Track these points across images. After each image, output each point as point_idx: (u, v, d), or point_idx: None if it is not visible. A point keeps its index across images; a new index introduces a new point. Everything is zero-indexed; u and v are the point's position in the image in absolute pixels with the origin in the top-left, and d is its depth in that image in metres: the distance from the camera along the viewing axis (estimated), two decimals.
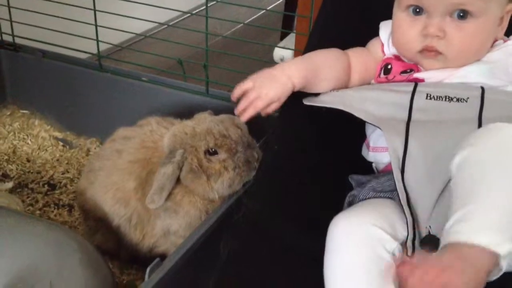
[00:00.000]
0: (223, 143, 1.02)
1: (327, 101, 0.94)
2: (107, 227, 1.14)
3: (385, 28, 0.98)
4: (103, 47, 1.53)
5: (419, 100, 0.86)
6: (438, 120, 0.84)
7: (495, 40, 0.90)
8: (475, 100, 0.84)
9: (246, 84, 0.92)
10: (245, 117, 0.93)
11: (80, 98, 1.56)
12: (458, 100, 0.84)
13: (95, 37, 1.48)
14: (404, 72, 0.92)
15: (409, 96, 0.87)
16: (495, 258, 0.64)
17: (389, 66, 0.95)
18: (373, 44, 1.00)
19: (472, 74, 0.87)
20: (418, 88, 0.87)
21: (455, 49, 0.86)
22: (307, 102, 0.96)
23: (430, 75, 0.90)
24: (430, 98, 0.85)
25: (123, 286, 1.14)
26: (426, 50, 0.88)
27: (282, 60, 2.18)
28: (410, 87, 0.87)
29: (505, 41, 0.90)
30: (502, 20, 0.87)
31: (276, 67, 0.94)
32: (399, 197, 0.81)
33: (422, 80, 0.90)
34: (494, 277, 0.66)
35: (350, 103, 0.91)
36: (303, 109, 0.99)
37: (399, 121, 0.86)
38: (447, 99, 0.84)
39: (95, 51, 1.51)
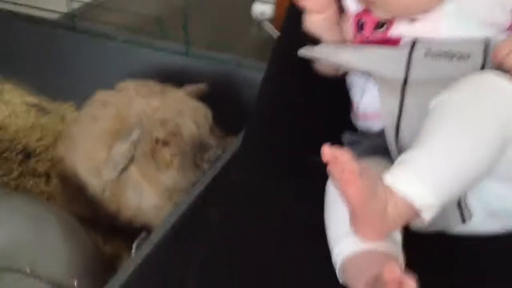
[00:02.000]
0: (172, 139, 1.00)
1: (320, 51, 0.89)
2: (84, 196, 1.11)
3: None
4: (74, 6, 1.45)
5: (417, 57, 0.81)
6: (437, 79, 0.80)
7: None
8: (476, 57, 0.79)
9: None
10: None
11: (53, 61, 1.49)
12: (459, 57, 0.79)
13: None
14: (378, 27, 0.87)
15: (406, 52, 0.82)
16: (413, 209, 0.64)
17: (362, 20, 0.90)
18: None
19: (451, 28, 0.82)
20: (417, 45, 0.82)
21: (384, 2, 0.81)
22: (303, 52, 0.91)
23: (404, 33, 0.85)
24: (429, 56, 0.81)
25: (107, 257, 1.10)
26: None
27: (262, 15, 2.12)
28: (408, 44, 0.83)
29: None
30: None
31: None
32: (392, 155, 0.78)
33: (398, 40, 0.85)
34: (426, 217, 0.65)
35: (344, 57, 0.86)
36: (290, 68, 0.95)
37: (395, 78, 0.82)
38: (448, 57, 0.80)
39: (63, 10, 1.43)
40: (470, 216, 0.73)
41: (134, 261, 0.76)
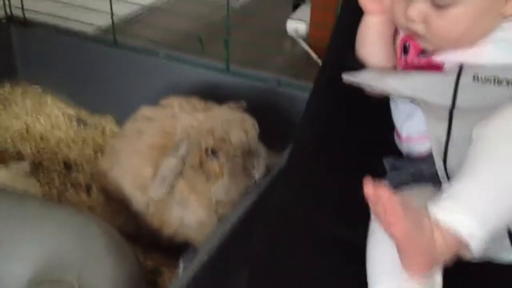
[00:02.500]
0: (221, 146, 0.99)
1: (367, 78, 0.90)
2: (128, 210, 1.12)
3: None
4: (109, 20, 1.47)
5: (465, 81, 0.81)
6: (485, 105, 0.80)
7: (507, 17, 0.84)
8: None
9: None
10: None
11: (93, 74, 1.52)
12: (508, 83, 0.79)
13: (104, 10, 1.43)
14: (422, 53, 0.88)
15: (454, 76, 0.82)
16: (460, 241, 0.64)
17: (407, 44, 0.91)
18: None
19: (498, 55, 0.83)
20: (464, 69, 0.82)
21: (434, 35, 0.81)
22: (346, 76, 0.91)
23: (449, 59, 0.85)
24: (478, 80, 0.81)
25: (148, 271, 1.11)
26: (411, 31, 0.83)
27: (296, 32, 2.13)
28: (456, 69, 0.83)
29: None
30: None
31: None
32: (440, 184, 0.78)
33: (442, 65, 0.85)
34: (472, 255, 0.66)
35: (390, 83, 0.86)
36: (336, 90, 0.96)
37: (442, 104, 0.82)
38: (496, 82, 0.80)
39: (104, 24, 1.45)
40: None
41: (185, 274, 0.76)
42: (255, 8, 2.28)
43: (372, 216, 0.77)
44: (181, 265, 0.82)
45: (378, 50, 0.92)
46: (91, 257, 0.92)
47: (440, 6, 0.78)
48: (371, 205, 0.64)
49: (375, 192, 0.63)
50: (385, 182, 0.88)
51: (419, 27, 0.81)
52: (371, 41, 0.92)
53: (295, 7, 2.28)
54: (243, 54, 1.79)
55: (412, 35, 0.84)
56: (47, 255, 0.90)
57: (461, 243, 0.65)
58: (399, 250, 0.65)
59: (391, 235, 0.64)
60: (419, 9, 0.80)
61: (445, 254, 0.66)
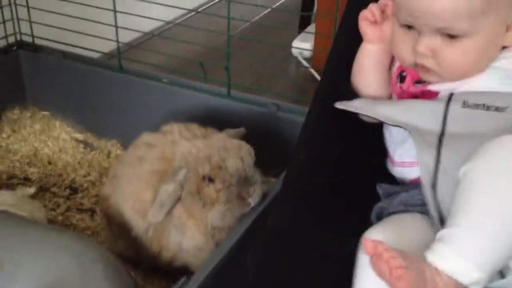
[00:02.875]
0: (217, 174, 1.00)
1: (359, 107, 0.91)
2: (128, 235, 1.14)
3: None
4: (114, 46, 1.51)
5: (455, 108, 0.82)
6: (473, 131, 0.80)
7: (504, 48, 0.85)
8: None
9: None
10: None
11: (100, 99, 1.55)
12: (496, 109, 0.80)
13: (107, 36, 1.46)
14: (418, 82, 0.89)
15: (444, 103, 0.83)
16: (460, 285, 0.67)
17: (404, 74, 0.92)
18: None
19: (490, 83, 0.84)
20: (454, 96, 0.83)
21: (445, 68, 0.83)
22: (339, 106, 0.93)
23: (444, 87, 0.86)
24: (467, 106, 0.82)
25: None
26: (419, 66, 0.85)
27: (301, 54, 2.16)
28: (446, 96, 0.84)
29: None
30: (510, 27, 0.82)
31: None
32: (429, 212, 0.79)
33: (437, 93, 0.86)
34: None
35: (382, 112, 0.88)
36: (330, 116, 0.97)
37: (432, 133, 0.83)
38: (485, 108, 0.81)
39: (108, 49, 1.49)
40: (509, 272, 0.74)
41: None
42: (261, 31, 2.31)
43: (362, 252, 0.78)
44: None
45: (374, 78, 0.94)
46: (89, 282, 0.94)
47: (452, 36, 0.80)
48: (372, 262, 0.66)
49: (377, 249, 0.66)
50: (377, 211, 0.89)
51: (428, 62, 0.83)
52: (368, 69, 0.94)
53: (301, 29, 2.31)
54: (247, 78, 1.82)
55: (419, 70, 0.86)
56: (47, 279, 0.92)
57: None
58: None
59: None
60: (429, 43, 0.81)
61: None
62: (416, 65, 0.85)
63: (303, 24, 2.33)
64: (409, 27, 0.83)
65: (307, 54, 2.14)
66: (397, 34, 0.86)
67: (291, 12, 2.39)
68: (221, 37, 1.41)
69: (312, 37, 2.12)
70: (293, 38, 2.21)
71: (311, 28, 2.28)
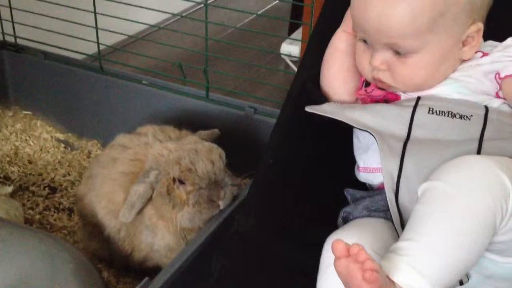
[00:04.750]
0: (187, 176, 1.01)
1: (328, 110, 0.92)
2: (101, 234, 1.14)
3: None
4: (101, 47, 1.52)
5: (421, 114, 0.83)
6: (437, 138, 0.82)
7: (465, 60, 0.86)
8: (478, 119, 0.81)
9: None
10: None
11: (80, 100, 1.56)
12: (461, 117, 0.81)
13: (95, 39, 1.47)
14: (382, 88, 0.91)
15: (410, 109, 0.84)
16: None
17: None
18: None
19: (444, 92, 0.85)
20: (421, 102, 0.84)
21: (400, 82, 0.85)
22: (309, 109, 0.94)
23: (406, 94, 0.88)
24: (432, 113, 0.83)
25: None
26: (377, 80, 0.86)
27: (290, 56, 2.16)
28: (413, 101, 0.85)
29: (483, 55, 0.86)
30: (467, 42, 0.83)
31: None
32: (392, 218, 0.80)
33: (399, 97, 0.88)
34: None
35: (350, 115, 0.89)
36: (299, 121, 0.98)
37: (397, 138, 0.84)
38: (450, 115, 0.82)
39: (93, 51, 1.49)
40: (468, 279, 0.75)
41: None
42: (251, 35, 2.31)
43: (325, 263, 0.79)
44: None
45: (341, 80, 0.95)
46: (57, 282, 0.94)
47: (400, 54, 0.82)
48: (338, 265, 0.66)
49: (349, 252, 0.65)
50: (343, 215, 0.90)
51: (383, 75, 0.85)
52: (335, 71, 0.95)
53: (291, 32, 2.32)
54: (232, 82, 1.83)
55: (378, 84, 0.88)
56: (13, 280, 0.92)
57: None
58: None
59: None
60: (382, 58, 0.84)
61: None
62: (373, 78, 0.87)
63: (293, 28, 2.34)
64: (366, 41, 0.85)
65: (296, 54, 2.15)
66: (357, 48, 0.89)
67: (280, 18, 2.40)
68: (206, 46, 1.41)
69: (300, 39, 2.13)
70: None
71: (300, 32, 2.28)
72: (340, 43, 0.94)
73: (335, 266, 0.67)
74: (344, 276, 0.67)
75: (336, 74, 0.96)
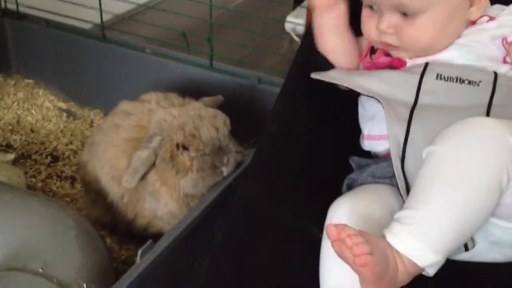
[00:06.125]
0: (191, 142, 1.00)
1: (334, 77, 0.91)
2: (105, 201, 1.14)
3: None
4: (106, 17, 1.50)
5: (428, 79, 0.83)
6: (445, 104, 0.81)
7: (474, 22, 0.86)
8: (487, 85, 0.80)
9: None
10: None
11: (83, 69, 1.54)
12: (470, 82, 0.81)
13: (98, 7, 1.45)
14: (388, 54, 0.90)
15: (418, 75, 0.84)
16: (420, 269, 0.68)
17: (376, 47, 0.92)
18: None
19: (449, 57, 0.85)
20: (429, 67, 0.84)
21: (407, 44, 0.85)
22: (314, 76, 0.93)
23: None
24: (441, 79, 0.82)
25: (121, 261, 1.14)
26: (384, 44, 0.86)
27: (294, 30, 2.14)
28: (420, 67, 0.84)
29: (490, 20, 0.85)
30: (474, 1, 0.83)
31: None
32: (397, 183, 0.79)
33: (404, 63, 0.87)
34: (430, 273, 0.69)
35: (357, 81, 0.88)
36: (304, 89, 0.97)
37: (404, 105, 0.83)
38: (459, 81, 0.81)
39: (98, 21, 1.48)
40: (473, 245, 0.74)
41: (137, 268, 0.78)
42: (256, 5, 2.29)
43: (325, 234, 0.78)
44: (139, 255, 0.83)
45: (332, 43, 0.94)
46: (60, 247, 0.94)
47: (408, 15, 0.81)
48: (336, 249, 0.66)
49: (340, 233, 0.65)
50: (348, 182, 0.89)
51: (391, 39, 0.86)
52: (328, 40, 0.94)
53: (296, 4, 2.29)
54: (238, 52, 1.81)
55: (386, 47, 0.88)
56: (15, 243, 0.92)
57: (420, 269, 0.68)
58: (363, 282, 0.67)
59: (361, 275, 0.66)
60: (389, 21, 0.84)
61: (405, 279, 0.69)
62: (381, 43, 0.86)
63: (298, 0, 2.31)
64: (372, 7, 0.86)
65: (300, 29, 2.12)
66: (363, 14, 0.89)
67: None
68: (216, 10, 1.39)
69: (305, 13, 2.10)
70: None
71: (305, 3, 2.25)
72: (324, 20, 0.93)
73: (332, 247, 0.67)
74: (341, 257, 0.67)
75: (334, 48, 0.95)
